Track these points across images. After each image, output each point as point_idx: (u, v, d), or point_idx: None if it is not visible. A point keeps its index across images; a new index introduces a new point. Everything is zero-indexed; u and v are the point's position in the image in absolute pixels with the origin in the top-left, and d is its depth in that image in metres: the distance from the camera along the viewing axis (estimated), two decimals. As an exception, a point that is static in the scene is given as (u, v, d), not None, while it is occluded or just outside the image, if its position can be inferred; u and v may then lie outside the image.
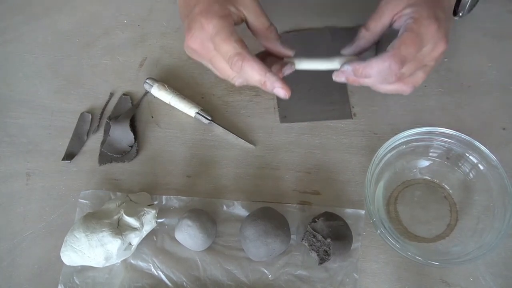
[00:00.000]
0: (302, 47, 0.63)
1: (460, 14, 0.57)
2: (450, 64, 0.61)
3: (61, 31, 0.67)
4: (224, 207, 0.54)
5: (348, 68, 0.49)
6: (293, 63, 0.52)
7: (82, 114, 0.61)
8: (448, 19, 0.49)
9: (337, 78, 0.51)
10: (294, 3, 0.67)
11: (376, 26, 0.51)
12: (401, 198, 0.54)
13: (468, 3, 0.55)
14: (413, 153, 0.54)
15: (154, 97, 0.61)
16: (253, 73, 0.48)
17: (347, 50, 0.53)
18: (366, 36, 0.52)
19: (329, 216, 0.50)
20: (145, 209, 0.51)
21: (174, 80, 0.62)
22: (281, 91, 0.49)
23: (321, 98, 0.59)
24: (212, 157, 0.58)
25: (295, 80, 0.61)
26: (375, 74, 0.48)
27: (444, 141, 0.53)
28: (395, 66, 0.46)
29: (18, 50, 0.66)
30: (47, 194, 0.56)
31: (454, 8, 0.56)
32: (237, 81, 0.50)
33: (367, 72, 0.48)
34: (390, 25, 0.51)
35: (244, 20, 0.51)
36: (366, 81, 0.49)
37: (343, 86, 0.60)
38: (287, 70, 0.51)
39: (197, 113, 0.59)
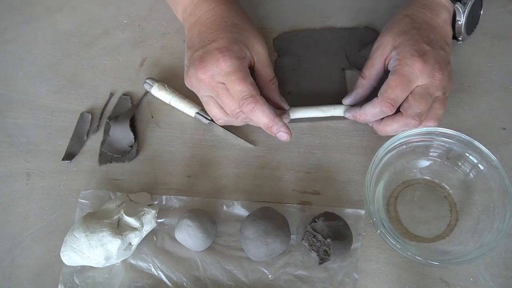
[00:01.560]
0: (302, 47, 0.63)
1: (460, 39, 0.58)
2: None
3: (61, 31, 0.67)
4: (224, 207, 0.54)
5: (349, 115, 0.55)
6: (288, 114, 0.56)
7: (82, 114, 0.61)
8: (440, 47, 0.52)
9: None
10: (294, 3, 0.67)
11: (371, 73, 0.55)
12: (401, 198, 0.54)
13: (463, 27, 0.56)
14: (413, 153, 0.54)
15: (154, 97, 0.61)
16: (263, 117, 0.51)
17: (347, 100, 0.56)
18: (363, 84, 0.55)
19: (329, 216, 0.50)
20: (145, 209, 0.51)
21: (174, 80, 0.62)
22: (285, 136, 0.53)
23: (321, 99, 0.59)
24: (212, 157, 0.58)
25: (295, 81, 0.61)
26: (371, 119, 0.53)
27: (444, 141, 0.53)
28: (387, 110, 0.50)
29: (18, 50, 0.66)
30: (47, 194, 0.56)
31: (454, 34, 0.57)
32: (240, 118, 0.53)
33: (364, 119, 0.54)
34: (385, 69, 0.54)
35: (251, 67, 0.54)
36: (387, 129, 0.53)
37: (342, 86, 0.60)
38: (284, 119, 0.55)
39: (197, 113, 0.59)
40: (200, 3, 0.55)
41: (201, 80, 0.51)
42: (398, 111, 0.52)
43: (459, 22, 0.56)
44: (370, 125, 0.56)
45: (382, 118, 0.53)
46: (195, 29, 0.54)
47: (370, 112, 0.52)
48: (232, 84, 0.50)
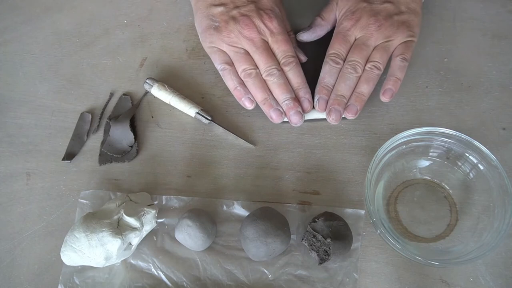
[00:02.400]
0: (302, 47, 0.63)
1: None
2: (450, 64, 0.61)
3: (61, 31, 0.67)
4: (224, 207, 0.54)
5: (317, 102, 0.57)
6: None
7: (82, 114, 0.61)
8: (383, 1, 0.56)
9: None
10: (294, 3, 0.67)
11: (330, 16, 0.60)
12: (401, 198, 0.54)
13: None
14: (413, 153, 0.54)
15: (154, 97, 0.61)
16: (297, 76, 0.57)
17: (304, 36, 0.61)
18: (322, 24, 0.60)
19: (329, 216, 0.50)
20: (145, 209, 0.51)
21: (174, 80, 0.62)
22: (306, 102, 0.57)
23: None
24: (212, 157, 0.58)
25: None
26: (330, 81, 0.57)
27: (444, 141, 0.53)
28: (332, 62, 0.56)
29: (18, 50, 0.66)
30: (47, 194, 0.56)
31: None
32: (270, 76, 0.56)
33: (323, 83, 0.57)
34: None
35: None
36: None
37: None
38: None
39: (197, 113, 0.59)
40: None
41: (245, 35, 0.55)
42: None
43: None
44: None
45: None
46: None
47: (323, 71, 0.57)
48: (279, 44, 0.56)
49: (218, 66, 0.57)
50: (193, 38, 0.65)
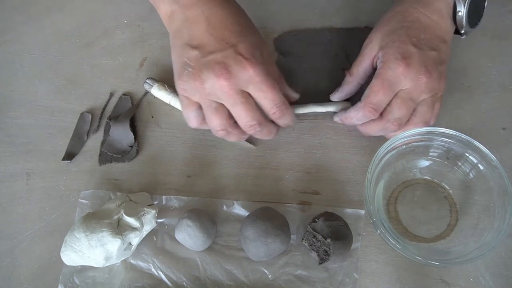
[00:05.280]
0: (302, 47, 0.63)
1: (463, 32, 0.55)
2: (450, 64, 0.61)
3: (61, 31, 0.67)
4: (224, 207, 0.54)
5: (337, 119, 0.56)
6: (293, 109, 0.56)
7: (82, 114, 0.61)
8: (430, 48, 0.50)
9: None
10: (294, 3, 0.67)
11: (358, 71, 0.54)
12: (401, 198, 0.54)
13: (465, 19, 0.53)
14: (413, 153, 0.54)
15: (154, 97, 0.61)
16: (289, 120, 0.53)
17: (334, 97, 0.57)
18: (349, 82, 0.55)
19: (329, 216, 0.50)
20: (145, 209, 0.51)
21: (174, 80, 0.62)
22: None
23: (321, 99, 0.59)
24: (212, 157, 0.58)
25: (295, 81, 0.61)
26: (356, 122, 0.53)
27: (444, 141, 0.52)
28: (369, 114, 0.51)
29: (18, 50, 0.66)
30: (47, 194, 0.56)
31: (456, 28, 0.54)
32: (251, 131, 0.51)
33: (350, 122, 0.54)
34: (373, 67, 0.53)
35: None
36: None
37: (343, 86, 0.60)
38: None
39: (197, 113, 0.59)
40: None
41: (221, 86, 0.47)
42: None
43: (460, 13, 0.52)
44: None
45: None
46: (199, 27, 0.49)
47: (355, 116, 0.52)
48: (264, 93, 0.48)
49: (192, 123, 0.52)
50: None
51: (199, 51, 0.48)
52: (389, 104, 0.51)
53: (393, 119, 0.50)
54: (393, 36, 0.51)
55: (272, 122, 0.53)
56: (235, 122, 0.51)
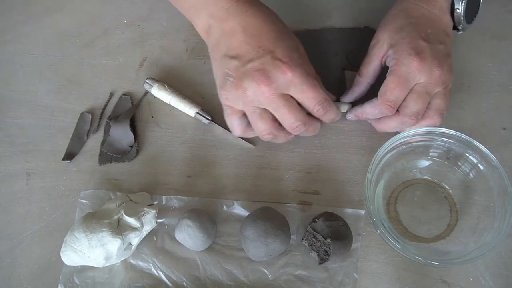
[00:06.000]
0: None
1: (460, 28, 0.56)
2: (450, 64, 0.61)
3: (61, 31, 0.67)
4: (224, 207, 0.54)
5: (351, 117, 0.56)
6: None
7: (82, 114, 0.61)
8: (438, 41, 0.51)
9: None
10: (294, 3, 0.67)
11: (368, 71, 0.55)
12: (401, 198, 0.54)
13: (463, 16, 0.54)
14: (413, 153, 0.54)
15: (154, 97, 0.61)
16: (334, 114, 0.53)
17: (346, 98, 0.57)
18: (360, 82, 0.55)
19: (329, 216, 0.50)
20: (145, 209, 0.51)
21: (174, 80, 0.62)
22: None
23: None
24: (212, 157, 0.58)
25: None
26: (372, 117, 0.54)
27: (444, 141, 0.53)
28: (387, 111, 0.51)
29: (18, 50, 0.66)
30: (47, 194, 0.56)
31: (454, 24, 0.55)
32: (297, 131, 0.52)
33: (365, 117, 0.54)
34: (382, 66, 0.54)
35: None
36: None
37: (342, 86, 0.60)
38: None
39: (197, 113, 0.59)
40: (235, 9, 0.51)
41: (262, 92, 0.49)
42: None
43: (458, 11, 0.54)
44: (369, 121, 0.56)
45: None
46: (236, 38, 0.50)
47: (371, 112, 0.53)
48: (305, 93, 0.49)
49: (236, 131, 0.54)
50: (193, 38, 0.65)
51: (238, 60, 0.50)
52: (404, 99, 0.51)
53: (411, 114, 0.51)
54: (402, 33, 0.51)
55: (316, 118, 0.53)
56: (280, 125, 0.52)
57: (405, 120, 0.51)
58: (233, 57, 0.50)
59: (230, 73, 0.50)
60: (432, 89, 0.50)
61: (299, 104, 0.51)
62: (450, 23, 0.55)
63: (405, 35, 0.51)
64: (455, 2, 0.54)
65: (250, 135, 0.55)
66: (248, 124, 0.53)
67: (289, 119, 0.50)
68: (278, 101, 0.49)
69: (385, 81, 0.51)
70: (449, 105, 0.53)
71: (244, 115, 0.52)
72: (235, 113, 0.52)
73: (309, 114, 0.52)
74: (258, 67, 0.48)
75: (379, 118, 0.53)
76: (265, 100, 0.49)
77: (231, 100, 0.51)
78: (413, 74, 0.49)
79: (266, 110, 0.51)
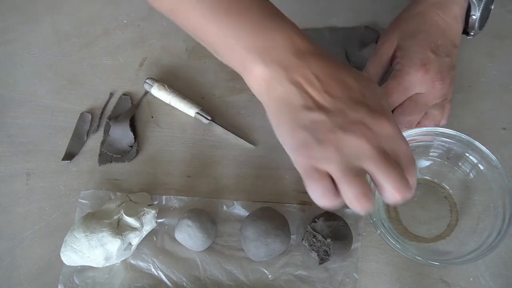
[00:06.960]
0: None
1: (472, 33, 0.55)
2: (450, 64, 0.61)
3: (61, 31, 0.67)
4: (224, 207, 0.54)
5: None
6: None
7: (82, 114, 0.61)
8: (446, 54, 0.51)
9: None
10: (294, 3, 0.67)
11: (377, 70, 0.53)
12: (401, 198, 0.54)
13: (477, 22, 0.54)
14: (413, 153, 0.54)
15: (154, 97, 0.61)
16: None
17: None
18: None
19: (329, 216, 0.50)
20: (145, 209, 0.51)
21: (174, 80, 0.62)
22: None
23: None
24: (212, 157, 0.58)
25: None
26: None
27: (444, 141, 0.52)
28: None
29: (18, 50, 0.66)
30: (47, 194, 0.56)
31: (465, 28, 0.55)
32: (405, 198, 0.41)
33: None
34: (391, 63, 0.53)
35: None
36: None
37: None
38: None
39: (197, 113, 0.59)
40: (307, 56, 0.41)
41: (364, 149, 0.39)
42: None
43: (474, 17, 0.53)
44: None
45: None
46: (313, 87, 0.40)
47: None
48: (399, 146, 0.40)
49: (323, 200, 0.40)
50: (193, 38, 0.64)
51: (325, 114, 0.40)
52: (401, 104, 0.51)
53: (405, 121, 0.51)
54: (413, 40, 0.51)
55: None
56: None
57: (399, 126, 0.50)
58: (315, 108, 0.40)
59: (316, 128, 0.40)
60: (431, 101, 0.50)
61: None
62: (459, 32, 0.54)
63: (416, 42, 0.51)
64: (472, 9, 0.53)
65: (337, 203, 0.42)
66: (336, 190, 0.41)
67: (387, 175, 0.40)
68: (377, 156, 0.39)
69: (385, 83, 0.51)
70: (449, 115, 0.54)
71: (331, 178, 0.41)
72: (324, 178, 0.40)
73: None
74: (353, 119, 0.40)
75: None
76: (364, 155, 0.39)
77: (321, 160, 0.40)
78: (414, 84, 0.49)
79: (363, 169, 0.40)
